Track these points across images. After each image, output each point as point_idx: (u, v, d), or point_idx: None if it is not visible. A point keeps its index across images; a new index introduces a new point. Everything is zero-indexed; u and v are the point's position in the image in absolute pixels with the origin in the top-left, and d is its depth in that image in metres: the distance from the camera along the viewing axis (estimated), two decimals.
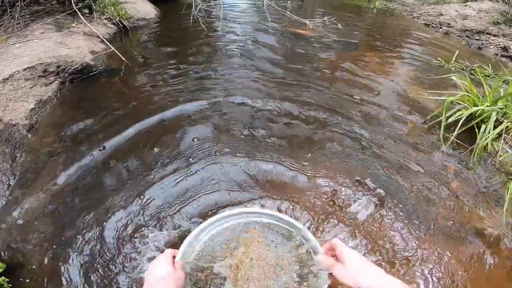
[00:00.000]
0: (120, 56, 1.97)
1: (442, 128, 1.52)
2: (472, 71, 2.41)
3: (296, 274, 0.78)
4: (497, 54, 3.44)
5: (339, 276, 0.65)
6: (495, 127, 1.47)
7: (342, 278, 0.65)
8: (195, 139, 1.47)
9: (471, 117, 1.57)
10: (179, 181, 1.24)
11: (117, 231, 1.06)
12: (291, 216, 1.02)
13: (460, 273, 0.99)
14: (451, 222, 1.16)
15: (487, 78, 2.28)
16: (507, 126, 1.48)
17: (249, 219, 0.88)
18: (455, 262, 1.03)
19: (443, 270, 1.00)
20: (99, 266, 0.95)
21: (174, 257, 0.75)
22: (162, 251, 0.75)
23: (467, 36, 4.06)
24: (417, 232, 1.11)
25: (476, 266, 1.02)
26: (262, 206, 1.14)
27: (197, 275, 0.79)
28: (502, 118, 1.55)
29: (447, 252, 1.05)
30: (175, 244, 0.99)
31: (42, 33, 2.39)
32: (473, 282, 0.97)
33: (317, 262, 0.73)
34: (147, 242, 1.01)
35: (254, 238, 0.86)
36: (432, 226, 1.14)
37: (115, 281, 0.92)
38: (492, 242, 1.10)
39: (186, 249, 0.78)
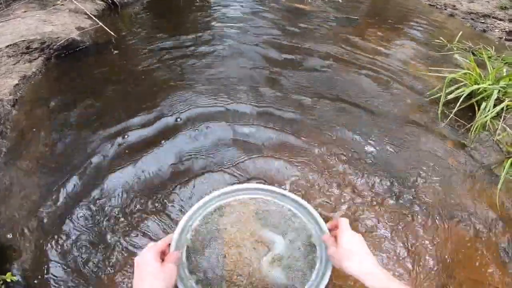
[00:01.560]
0: (108, 31, 1.88)
1: (441, 104, 1.48)
2: (475, 52, 2.32)
3: (300, 252, 0.74)
4: (501, 38, 3.33)
5: (330, 255, 0.62)
6: (495, 105, 1.42)
7: (332, 258, 0.62)
8: None
9: (471, 95, 1.52)
10: None
11: (108, 208, 1.03)
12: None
13: (447, 252, 0.98)
14: (444, 200, 1.14)
15: (489, 59, 2.20)
16: (508, 105, 1.44)
17: (245, 196, 0.81)
18: (444, 240, 1.01)
19: (431, 248, 0.99)
20: (92, 245, 0.93)
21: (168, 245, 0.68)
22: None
23: (472, 19, 3.92)
24: (408, 206, 1.09)
25: (465, 246, 1.00)
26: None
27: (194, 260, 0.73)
28: (503, 97, 1.50)
29: (437, 230, 1.04)
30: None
31: (25, 11, 2.28)
32: (460, 262, 0.96)
33: (322, 240, 0.69)
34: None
35: (252, 216, 0.79)
36: (424, 203, 1.12)
37: (106, 263, 0.89)
38: (484, 223, 1.08)
39: (180, 236, 0.71)
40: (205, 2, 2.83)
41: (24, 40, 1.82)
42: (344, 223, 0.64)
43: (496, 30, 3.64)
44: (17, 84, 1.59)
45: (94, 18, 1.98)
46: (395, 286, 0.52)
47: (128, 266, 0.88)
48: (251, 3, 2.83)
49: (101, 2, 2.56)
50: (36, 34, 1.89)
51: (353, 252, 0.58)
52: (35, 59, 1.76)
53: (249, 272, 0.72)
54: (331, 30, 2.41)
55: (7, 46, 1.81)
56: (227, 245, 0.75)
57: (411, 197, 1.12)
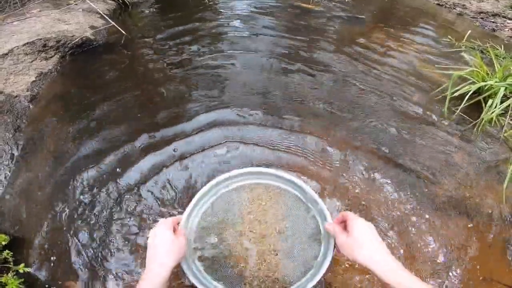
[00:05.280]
0: (120, 29, 1.94)
1: (448, 100, 1.49)
2: (483, 50, 2.31)
3: (303, 239, 0.75)
4: (511, 37, 3.29)
5: (339, 244, 0.60)
6: (502, 102, 1.42)
7: (342, 247, 0.60)
8: None
9: (478, 92, 1.53)
10: None
11: (124, 206, 1.07)
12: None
13: (454, 248, 0.99)
14: (451, 196, 1.15)
15: (498, 57, 2.19)
16: None
17: (255, 181, 0.82)
18: (450, 236, 1.02)
19: (436, 244, 1.00)
20: (103, 239, 0.96)
21: (178, 223, 0.72)
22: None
23: (482, 18, 3.87)
24: (415, 203, 1.11)
25: (470, 242, 1.01)
26: None
27: (199, 245, 0.75)
28: (510, 94, 1.50)
29: (443, 226, 1.05)
30: None
31: (40, 11, 2.36)
32: (466, 258, 0.97)
33: (325, 229, 0.69)
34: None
35: (261, 200, 0.81)
36: (432, 199, 1.13)
37: (117, 255, 0.93)
38: (489, 219, 1.09)
39: (189, 216, 0.74)
40: (213, 0, 2.88)
41: (40, 39, 1.89)
42: (353, 214, 0.63)
43: (506, 29, 3.58)
44: (34, 81, 1.66)
45: (106, 17, 2.05)
46: (406, 276, 0.50)
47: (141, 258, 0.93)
48: (257, 4, 2.87)
49: (112, 2, 2.63)
50: (51, 32, 1.96)
51: (365, 240, 0.56)
52: (51, 57, 1.83)
53: (247, 255, 0.74)
54: (337, 30, 2.43)
55: (24, 44, 1.88)
56: (231, 227, 0.78)
57: (419, 191, 1.14)
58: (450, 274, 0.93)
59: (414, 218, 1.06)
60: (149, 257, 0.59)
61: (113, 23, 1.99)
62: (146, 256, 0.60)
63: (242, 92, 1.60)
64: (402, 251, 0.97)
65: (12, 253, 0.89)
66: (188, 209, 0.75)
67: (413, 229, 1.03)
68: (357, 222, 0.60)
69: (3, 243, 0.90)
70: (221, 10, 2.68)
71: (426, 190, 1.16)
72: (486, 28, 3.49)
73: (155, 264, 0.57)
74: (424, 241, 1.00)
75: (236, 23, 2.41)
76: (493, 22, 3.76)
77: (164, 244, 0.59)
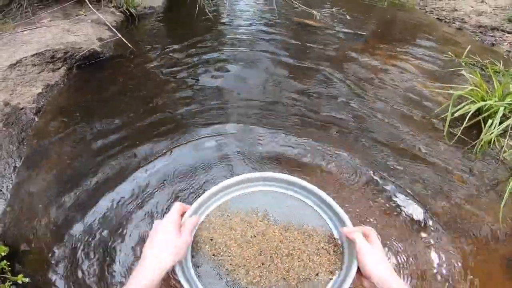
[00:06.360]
0: (127, 43, 1.99)
1: (447, 122, 1.50)
2: (483, 67, 2.34)
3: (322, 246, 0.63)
4: (510, 51, 3.34)
5: (362, 252, 0.56)
6: (501, 122, 1.44)
7: (364, 256, 0.55)
8: None
9: (478, 112, 1.55)
10: None
11: (122, 223, 1.08)
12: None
13: (456, 267, 1.00)
14: (451, 216, 1.16)
15: (497, 74, 2.22)
16: None
17: (265, 188, 0.71)
18: (452, 256, 1.03)
19: (438, 261, 1.01)
20: (102, 252, 0.97)
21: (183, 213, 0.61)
22: None
23: (481, 32, 3.94)
24: (416, 223, 1.12)
25: (471, 260, 1.02)
26: None
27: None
28: (510, 114, 1.52)
29: (444, 246, 1.06)
30: None
31: (50, 20, 2.42)
32: (468, 277, 0.98)
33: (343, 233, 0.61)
34: None
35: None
36: (432, 219, 1.14)
37: (119, 266, 0.94)
38: (489, 239, 1.10)
39: (198, 207, 0.63)
40: (217, 14, 2.95)
41: (49, 50, 1.94)
42: (374, 233, 0.60)
43: (505, 43, 3.64)
44: (40, 93, 1.69)
45: (114, 30, 2.10)
46: None
47: None
48: (261, 20, 2.92)
49: (120, 14, 2.70)
50: (60, 44, 2.01)
51: (383, 256, 0.56)
52: (58, 69, 1.87)
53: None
54: (339, 46, 2.47)
55: (33, 55, 1.93)
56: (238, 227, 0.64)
57: (421, 212, 1.15)
58: None
59: (415, 236, 1.07)
60: (143, 255, 0.52)
61: (120, 35, 2.03)
62: (142, 252, 0.52)
63: (243, 105, 1.64)
64: (405, 269, 0.97)
65: (9, 263, 0.90)
66: (198, 201, 0.64)
67: (415, 247, 1.04)
68: (377, 241, 0.60)
69: (2, 254, 0.92)
70: (225, 25, 2.74)
71: (427, 209, 1.17)
72: (485, 42, 3.55)
73: (146, 265, 0.50)
74: (425, 258, 1.01)
75: (240, 38, 2.46)
76: (492, 36, 3.82)
77: (160, 243, 0.53)
